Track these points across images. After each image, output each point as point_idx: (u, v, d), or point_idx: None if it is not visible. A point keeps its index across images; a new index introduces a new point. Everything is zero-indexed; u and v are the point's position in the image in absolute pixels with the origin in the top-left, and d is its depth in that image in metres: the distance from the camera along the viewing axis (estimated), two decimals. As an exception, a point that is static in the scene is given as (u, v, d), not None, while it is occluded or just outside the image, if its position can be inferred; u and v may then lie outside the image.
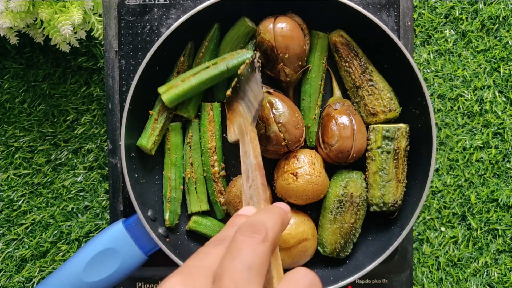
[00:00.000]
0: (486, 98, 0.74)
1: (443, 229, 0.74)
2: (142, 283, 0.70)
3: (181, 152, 0.67)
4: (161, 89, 0.64)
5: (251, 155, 0.49)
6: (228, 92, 0.56)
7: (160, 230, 0.64)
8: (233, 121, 0.55)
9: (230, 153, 0.68)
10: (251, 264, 0.33)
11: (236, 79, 0.55)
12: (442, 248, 0.74)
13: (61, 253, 0.73)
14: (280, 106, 0.61)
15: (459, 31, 0.75)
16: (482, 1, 0.75)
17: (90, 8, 0.66)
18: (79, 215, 0.74)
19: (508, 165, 0.74)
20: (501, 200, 0.74)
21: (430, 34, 0.75)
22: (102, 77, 0.74)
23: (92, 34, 0.68)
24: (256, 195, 0.46)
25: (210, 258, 0.35)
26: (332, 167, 0.66)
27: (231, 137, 0.55)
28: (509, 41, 0.75)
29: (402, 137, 0.63)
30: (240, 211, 0.44)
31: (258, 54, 0.55)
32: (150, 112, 0.66)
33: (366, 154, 0.65)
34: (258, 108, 0.52)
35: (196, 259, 0.36)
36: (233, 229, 0.38)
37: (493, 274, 0.73)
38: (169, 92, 0.63)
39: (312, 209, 0.67)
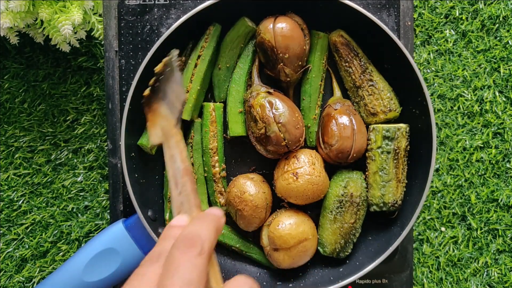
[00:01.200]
0: (486, 98, 0.74)
1: (443, 229, 0.74)
2: (142, 283, 0.70)
3: (181, 152, 0.67)
4: None
5: (178, 160, 0.46)
6: (146, 92, 0.53)
7: (160, 230, 0.64)
8: (155, 123, 0.52)
9: (231, 154, 0.68)
10: (190, 280, 0.34)
11: (154, 78, 0.53)
12: (442, 248, 0.74)
13: (61, 253, 0.73)
14: (280, 106, 0.61)
15: (459, 31, 0.75)
16: (482, 1, 0.75)
17: (90, 8, 0.66)
18: (79, 215, 0.74)
19: (508, 165, 0.74)
20: (501, 200, 0.74)
21: (430, 34, 0.75)
22: (102, 77, 0.74)
23: (92, 34, 0.68)
24: (187, 202, 0.44)
25: (147, 278, 0.35)
26: (332, 167, 0.66)
27: (154, 140, 0.51)
28: (509, 41, 0.75)
29: (402, 137, 0.63)
30: (173, 222, 0.42)
31: (176, 52, 0.52)
32: (150, 112, 0.66)
33: (366, 154, 0.65)
34: (181, 110, 0.50)
35: (134, 282, 0.35)
36: (168, 242, 0.38)
37: (493, 274, 0.73)
38: (185, 110, 0.65)
39: (312, 209, 0.67)
